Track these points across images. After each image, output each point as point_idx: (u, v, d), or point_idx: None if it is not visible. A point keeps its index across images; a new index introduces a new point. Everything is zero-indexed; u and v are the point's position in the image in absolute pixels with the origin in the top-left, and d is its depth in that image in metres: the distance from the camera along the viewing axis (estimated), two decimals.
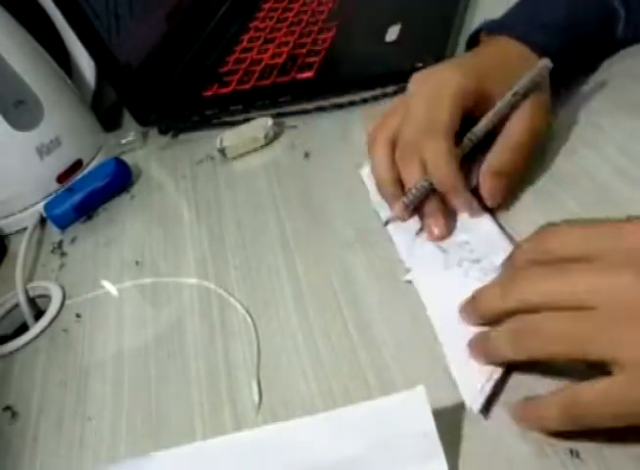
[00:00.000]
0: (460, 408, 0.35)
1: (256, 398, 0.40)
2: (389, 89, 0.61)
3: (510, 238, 0.43)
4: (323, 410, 0.37)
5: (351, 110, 0.62)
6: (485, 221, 0.45)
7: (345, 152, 0.57)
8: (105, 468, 0.41)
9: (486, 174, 0.45)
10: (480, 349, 0.36)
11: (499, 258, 0.41)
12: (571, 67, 0.51)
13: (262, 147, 0.63)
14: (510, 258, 0.38)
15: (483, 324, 0.37)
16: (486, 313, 0.37)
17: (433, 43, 0.63)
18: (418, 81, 0.48)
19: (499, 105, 0.46)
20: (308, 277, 0.47)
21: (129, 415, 0.43)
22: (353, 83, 0.64)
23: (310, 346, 0.42)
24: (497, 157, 0.46)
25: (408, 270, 0.44)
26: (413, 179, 0.45)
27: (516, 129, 0.46)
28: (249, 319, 0.46)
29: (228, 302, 0.48)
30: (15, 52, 0.63)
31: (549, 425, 0.32)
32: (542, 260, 0.35)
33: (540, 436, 0.33)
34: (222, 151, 0.63)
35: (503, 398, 0.35)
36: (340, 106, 0.62)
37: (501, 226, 0.44)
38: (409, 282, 0.43)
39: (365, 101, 0.61)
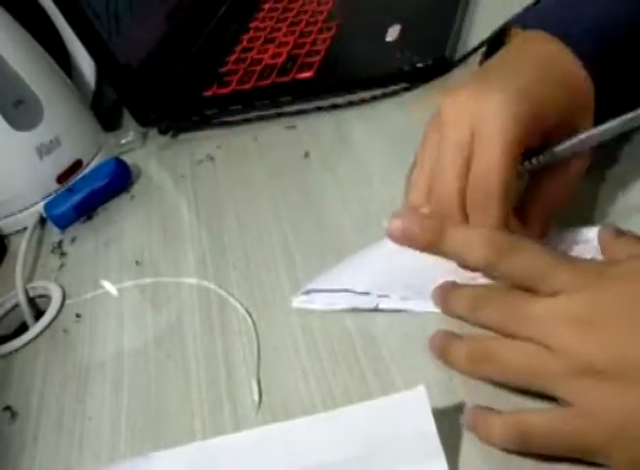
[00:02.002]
0: (460, 408, 0.35)
1: (256, 397, 0.40)
2: (389, 89, 0.61)
3: None
4: (323, 410, 0.37)
5: (351, 110, 0.62)
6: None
7: (345, 152, 0.57)
8: (105, 468, 0.41)
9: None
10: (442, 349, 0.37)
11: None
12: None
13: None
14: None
15: None
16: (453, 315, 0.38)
17: (433, 43, 0.63)
18: (451, 111, 0.37)
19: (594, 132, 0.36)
20: (308, 277, 0.47)
21: (129, 415, 0.43)
22: (353, 83, 0.63)
23: (310, 346, 0.42)
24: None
25: None
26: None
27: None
28: (249, 319, 0.46)
29: (228, 301, 0.48)
30: (15, 52, 0.63)
31: (494, 441, 0.33)
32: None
33: None
34: None
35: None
36: (339, 106, 0.62)
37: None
38: None
39: (365, 101, 0.61)
